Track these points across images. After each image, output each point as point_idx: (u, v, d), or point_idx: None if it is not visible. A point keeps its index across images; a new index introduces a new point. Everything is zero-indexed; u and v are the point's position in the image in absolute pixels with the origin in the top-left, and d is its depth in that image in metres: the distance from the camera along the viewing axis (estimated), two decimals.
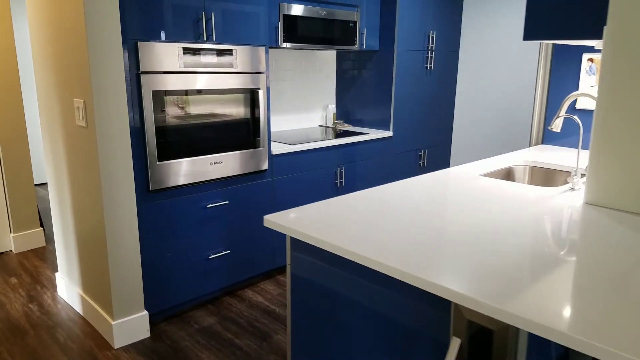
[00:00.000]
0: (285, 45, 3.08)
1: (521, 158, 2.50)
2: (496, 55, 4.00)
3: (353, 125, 4.07)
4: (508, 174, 2.42)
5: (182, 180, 2.55)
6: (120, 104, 2.25)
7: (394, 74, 3.68)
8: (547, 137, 2.86)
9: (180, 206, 2.58)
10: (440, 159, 4.37)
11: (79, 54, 2.20)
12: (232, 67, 2.67)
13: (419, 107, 4.01)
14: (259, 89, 2.83)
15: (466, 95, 4.27)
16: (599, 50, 2.57)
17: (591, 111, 2.64)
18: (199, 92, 2.55)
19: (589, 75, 2.63)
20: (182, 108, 2.49)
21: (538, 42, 3.66)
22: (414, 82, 3.88)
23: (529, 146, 2.99)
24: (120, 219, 2.34)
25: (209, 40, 2.54)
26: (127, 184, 2.32)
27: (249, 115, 2.82)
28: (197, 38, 2.49)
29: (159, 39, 2.35)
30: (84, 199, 2.45)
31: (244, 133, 2.81)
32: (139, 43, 2.28)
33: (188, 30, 2.45)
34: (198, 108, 2.56)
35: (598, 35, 1.69)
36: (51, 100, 2.55)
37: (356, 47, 3.54)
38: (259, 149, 2.89)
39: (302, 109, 3.90)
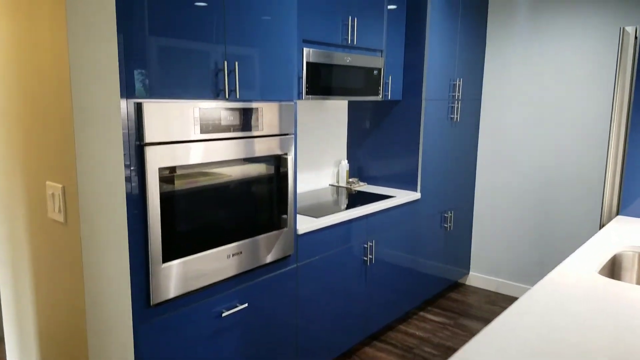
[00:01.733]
0: (308, 97, 2.52)
1: (619, 241, 2.01)
2: (525, 104, 3.61)
3: (369, 183, 3.52)
4: (612, 266, 1.93)
5: (192, 285, 1.88)
6: (116, 191, 1.58)
7: (421, 126, 3.19)
8: (626, 207, 2.42)
9: (189, 320, 1.90)
10: (464, 223, 3.88)
11: (58, 119, 1.54)
12: (257, 129, 2.06)
13: (446, 162, 3.52)
14: (287, 154, 2.23)
15: (489, 150, 3.84)
16: None
17: None
18: (217, 165, 1.92)
19: None
20: (195, 187, 1.85)
21: (597, 88, 3.28)
22: (441, 134, 3.41)
23: (601, 219, 2.53)
24: (109, 350, 1.63)
25: (230, 96, 1.94)
26: (121, 300, 1.63)
27: (274, 189, 2.21)
28: (217, 95, 1.89)
29: (170, 97, 1.72)
30: (56, 325, 1.73)
31: (267, 211, 2.19)
32: (145, 104, 1.64)
33: (206, 86, 1.84)
34: (214, 186, 1.92)
35: None
36: (10, 183, 1.84)
37: (380, 97, 3.03)
38: (284, 229, 2.27)
39: (312, 167, 3.32)
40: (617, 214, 2.48)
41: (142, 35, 1.61)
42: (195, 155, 1.83)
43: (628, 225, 2.27)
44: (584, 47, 3.30)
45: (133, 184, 1.65)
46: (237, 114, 1.96)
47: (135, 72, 1.61)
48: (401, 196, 3.13)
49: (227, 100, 1.93)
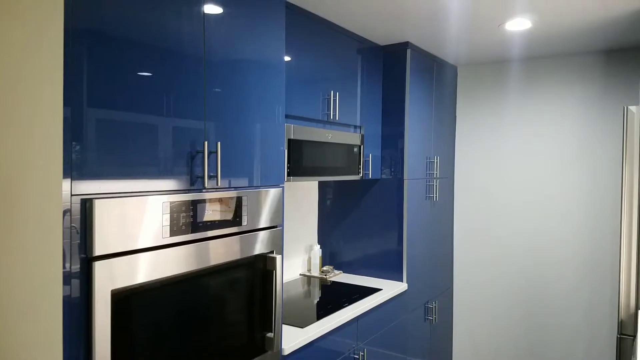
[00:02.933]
0: (289, 179, 2.12)
1: None
2: (500, 184, 3.43)
3: (345, 271, 3.09)
4: None
5: None
6: (49, 328, 1.04)
7: (405, 207, 2.87)
8: None
9: None
10: (445, 313, 3.51)
11: None
12: (240, 223, 1.61)
13: (429, 246, 3.19)
14: (274, 253, 1.77)
15: (464, 232, 3.59)
16: None
17: None
18: (190, 276, 1.43)
19: None
20: (162, 311, 1.33)
21: (580, 167, 3.14)
22: (423, 216, 3.10)
23: (619, 315, 2.26)
24: None
25: (210, 184, 1.49)
26: None
27: (257, 299, 1.72)
28: (193, 182, 1.43)
29: (130, 192, 1.25)
30: None
31: (249, 331, 1.68)
32: (95, 201, 1.15)
33: (179, 172, 1.39)
34: (181, 306, 1.41)
35: None
36: None
37: (360, 176, 2.70)
38: (268, 353, 1.76)
39: None
40: (637, 307, 2.22)
41: (93, 109, 1.16)
42: (162, 266, 1.33)
43: None
44: (560, 124, 3.22)
45: (73, 320, 1.12)
46: (217, 206, 1.51)
47: (80, 155, 1.14)
48: (387, 288, 2.72)
49: (206, 189, 1.48)
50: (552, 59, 3.21)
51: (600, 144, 3.07)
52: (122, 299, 1.22)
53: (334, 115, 2.45)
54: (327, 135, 2.37)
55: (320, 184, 3.17)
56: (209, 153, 1.47)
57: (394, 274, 2.90)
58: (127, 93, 1.23)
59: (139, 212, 1.25)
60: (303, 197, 3.04)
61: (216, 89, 1.50)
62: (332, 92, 2.43)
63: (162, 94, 1.33)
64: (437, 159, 3.22)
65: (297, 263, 3.01)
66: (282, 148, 1.81)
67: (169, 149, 1.34)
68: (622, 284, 2.26)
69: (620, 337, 2.26)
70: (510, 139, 3.39)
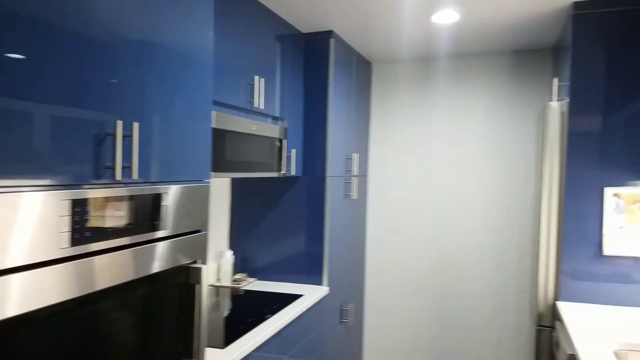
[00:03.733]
0: (211, 175, 1.82)
1: (605, 337, 1.75)
2: (412, 182, 3.43)
3: (260, 278, 2.83)
4: None
5: None
6: None
7: (326, 206, 2.70)
8: (565, 292, 2.24)
9: None
10: (358, 314, 3.41)
11: None
12: (161, 226, 1.29)
13: (347, 247, 3.06)
14: (197, 263, 1.47)
15: (377, 231, 3.54)
16: (623, 184, 2.14)
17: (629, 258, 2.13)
18: (97, 297, 1.09)
19: (617, 214, 2.15)
20: (58, 348, 0.98)
21: (492, 164, 3.22)
22: (343, 215, 2.96)
23: (537, 305, 2.31)
24: None
25: (124, 179, 1.15)
26: None
27: (175, 320, 1.41)
28: (99, 176, 1.09)
29: (18, 180, 0.89)
30: None
31: None
32: None
33: (83, 161, 1.04)
34: (79, 337, 1.07)
35: None
36: None
37: (282, 172, 2.47)
38: None
39: None
40: (555, 299, 2.29)
41: None
42: (63, 286, 0.98)
43: (588, 312, 2.05)
44: (475, 122, 3.30)
45: None
46: (132, 205, 1.18)
47: None
48: (309, 293, 2.52)
49: (115, 183, 1.14)
50: (468, 57, 3.28)
51: (515, 142, 3.19)
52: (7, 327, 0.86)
53: (259, 103, 2.19)
54: (251, 126, 2.11)
55: (234, 181, 2.87)
56: (123, 137, 1.14)
57: (315, 277, 2.72)
58: (12, 68, 0.87)
59: (29, 213, 0.90)
60: (212, 198, 2.72)
61: (131, 66, 1.17)
62: (256, 77, 2.17)
63: (63, 65, 0.98)
64: (356, 157, 3.11)
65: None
66: (208, 137, 1.52)
67: (71, 132, 1.00)
68: (541, 278, 2.32)
69: (538, 329, 2.32)
70: (426, 138, 3.40)
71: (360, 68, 3.25)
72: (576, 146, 2.22)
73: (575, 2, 2.21)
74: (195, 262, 1.47)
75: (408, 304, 3.45)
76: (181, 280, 1.42)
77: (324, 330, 2.68)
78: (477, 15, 2.43)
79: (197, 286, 1.45)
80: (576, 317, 1.99)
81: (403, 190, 3.45)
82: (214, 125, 1.82)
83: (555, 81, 2.51)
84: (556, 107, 2.27)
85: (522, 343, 3.18)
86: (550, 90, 3.08)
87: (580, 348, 1.64)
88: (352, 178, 3.09)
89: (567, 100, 2.26)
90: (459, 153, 3.32)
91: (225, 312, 2.20)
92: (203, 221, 1.50)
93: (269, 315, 2.14)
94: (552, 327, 2.28)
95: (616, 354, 1.64)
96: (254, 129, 2.14)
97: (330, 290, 2.74)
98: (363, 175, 3.41)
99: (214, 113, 1.83)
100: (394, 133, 3.48)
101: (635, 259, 2.13)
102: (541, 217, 2.30)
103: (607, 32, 2.17)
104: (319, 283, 2.70)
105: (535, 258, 2.51)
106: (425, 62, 3.38)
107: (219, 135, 1.86)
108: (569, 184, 2.24)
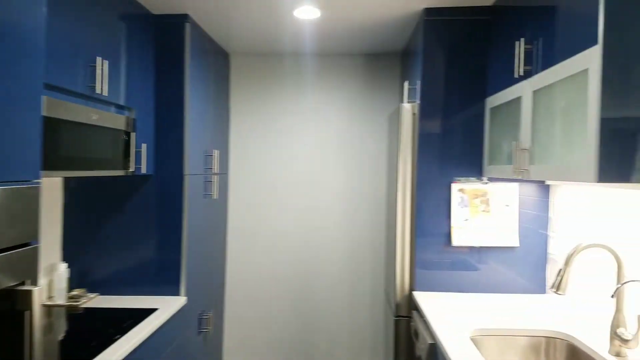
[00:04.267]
0: (45, 175, 1.48)
1: (461, 322, 1.88)
2: (272, 179, 3.36)
3: (103, 292, 2.47)
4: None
5: None
6: None
7: (185, 208, 2.46)
8: (420, 281, 2.38)
9: None
10: (217, 321, 3.22)
11: None
12: None
13: (207, 251, 2.85)
14: (26, 284, 1.16)
15: (238, 232, 3.39)
16: (467, 180, 2.35)
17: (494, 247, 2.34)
18: None
19: (462, 208, 2.36)
20: None
21: (376, 167, 3.27)
22: (202, 216, 2.74)
23: (395, 297, 2.42)
24: None
25: None
26: None
27: None
28: None
29: None
30: None
31: None
32: None
33: None
34: None
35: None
36: None
37: (130, 170, 2.17)
38: None
39: None
40: (411, 289, 2.42)
41: None
42: None
43: (442, 300, 2.19)
44: (332, 122, 3.35)
45: None
46: None
47: None
48: (165, 306, 2.27)
49: None
50: (328, 56, 3.31)
51: (368, 141, 3.31)
52: None
53: (102, 89, 1.87)
54: (92, 115, 1.78)
55: (68, 181, 2.45)
56: None
57: (171, 287, 2.46)
58: None
59: None
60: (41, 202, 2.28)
61: None
62: (99, 59, 1.85)
63: None
64: (216, 153, 2.91)
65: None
66: (38, 128, 1.21)
67: None
68: (397, 269, 2.42)
69: (396, 319, 2.43)
70: (287, 135, 3.35)
71: (219, 59, 3.06)
72: (426, 145, 2.37)
73: (427, 9, 2.35)
74: (23, 284, 1.16)
75: (269, 305, 3.37)
76: (5, 307, 1.11)
77: (182, 344, 2.44)
78: (336, 14, 2.45)
79: (26, 313, 1.15)
80: (432, 305, 2.12)
81: (264, 188, 3.36)
82: (44, 114, 1.48)
83: (406, 84, 2.66)
84: (408, 109, 2.39)
85: (381, 334, 3.34)
86: (400, 92, 3.28)
87: (440, 336, 1.72)
88: (213, 176, 2.89)
89: (418, 102, 2.40)
90: (318, 151, 3.34)
91: (65, 337, 1.84)
92: (32, 232, 1.19)
93: (117, 337, 1.85)
94: (410, 317, 2.41)
95: (472, 339, 1.77)
96: (95, 118, 1.82)
97: (189, 299, 2.51)
98: (224, 173, 3.23)
99: (44, 98, 1.49)
100: (255, 129, 3.36)
101: (478, 248, 2.35)
102: (397, 212, 2.41)
103: (453, 38, 2.36)
104: (176, 293, 2.45)
105: (389, 251, 2.64)
106: (287, 57, 3.33)
107: (52, 126, 1.53)
108: (420, 180, 2.38)
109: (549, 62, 1.60)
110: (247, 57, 3.33)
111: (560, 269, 1.55)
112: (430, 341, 1.90)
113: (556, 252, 2.22)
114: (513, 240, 2.32)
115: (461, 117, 2.36)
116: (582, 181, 1.30)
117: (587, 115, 1.31)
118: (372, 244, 3.32)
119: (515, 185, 2.33)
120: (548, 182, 2.28)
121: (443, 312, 2.01)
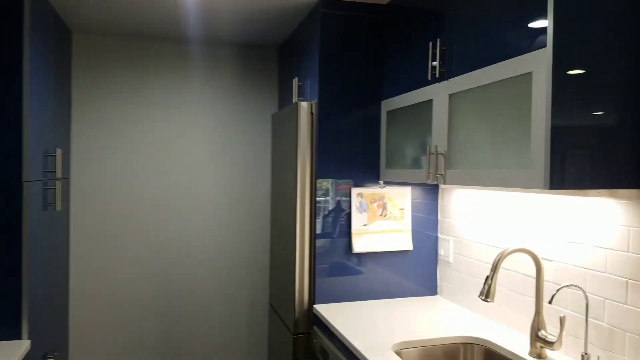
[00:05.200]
0: None
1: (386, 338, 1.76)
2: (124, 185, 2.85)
3: None
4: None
5: None
6: None
7: (25, 225, 1.88)
8: (321, 294, 2.21)
9: None
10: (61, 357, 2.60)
11: None
12: None
13: (50, 276, 2.24)
14: None
15: (84, 248, 2.80)
16: (366, 184, 2.26)
17: (375, 254, 2.26)
18: None
19: (361, 213, 2.26)
20: None
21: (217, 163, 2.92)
22: (44, 234, 2.15)
23: (294, 312, 2.21)
24: None
25: None
26: None
27: None
28: None
29: None
30: None
31: None
32: None
33: None
34: None
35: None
36: None
37: None
38: None
39: None
40: (311, 304, 2.23)
41: None
42: None
43: (348, 312, 2.05)
44: (205, 118, 2.97)
45: None
46: None
47: None
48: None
49: None
50: (198, 45, 2.93)
51: (245, 141, 3.03)
52: None
53: None
54: None
55: None
56: None
57: (7, 330, 1.86)
58: None
59: None
60: None
61: None
62: None
63: None
64: (59, 153, 2.31)
65: None
66: None
67: None
68: (297, 283, 2.22)
69: (295, 337, 2.22)
70: (145, 131, 2.87)
71: (60, 36, 2.45)
72: (324, 148, 2.22)
73: (324, 1, 2.20)
74: None
75: (127, 336, 2.85)
76: None
77: None
78: None
79: None
80: (340, 319, 1.97)
81: (116, 194, 2.83)
82: None
83: (295, 81, 2.47)
84: (306, 108, 2.21)
85: (262, 348, 3.08)
86: (279, 89, 3.08)
87: (365, 353, 1.58)
88: (56, 182, 2.30)
89: (316, 101, 2.24)
90: (185, 149, 2.95)
91: None
92: None
93: None
94: (309, 333, 2.23)
95: (397, 353, 1.66)
96: None
97: (33, 342, 1.93)
98: (65, 178, 2.61)
99: None
100: (104, 124, 2.81)
101: (376, 253, 2.28)
102: (296, 219, 2.21)
103: (351, 35, 2.24)
104: (17, 336, 1.86)
105: (278, 264, 2.42)
106: (148, 40, 2.85)
107: None
108: (319, 184, 2.21)
109: (470, 65, 1.58)
110: (94, 37, 2.76)
111: (487, 276, 1.53)
112: (344, 358, 1.74)
113: (446, 254, 2.27)
114: (407, 244, 2.31)
115: (360, 119, 2.26)
116: (529, 188, 1.28)
117: (530, 121, 1.29)
118: (253, 256, 3.05)
119: (408, 189, 2.32)
120: (443, 186, 2.32)
121: (355, 326, 1.88)
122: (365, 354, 1.58)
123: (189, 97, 2.93)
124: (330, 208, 2.23)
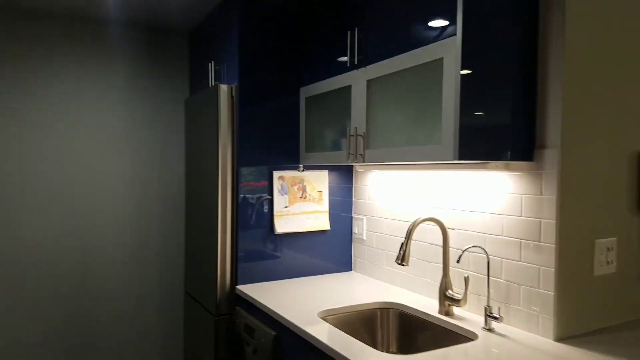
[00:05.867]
0: None
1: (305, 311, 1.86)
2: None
3: None
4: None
5: None
6: None
7: None
8: (243, 274, 2.25)
9: None
10: None
11: None
12: None
13: None
14: None
15: None
16: (287, 168, 2.34)
17: (299, 234, 2.34)
18: None
19: (282, 195, 2.33)
20: None
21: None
22: None
23: (216, 294, 2.22)
24: None
25: None
26: None
27: None
28: None
29: None
30: None
31: None
32: None
33: None
34: None
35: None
36: None
37: None
38: None
39: None
40: (233, 285, 2.26)
41: None
42: None
43: (272, 290, 2.11)
44: (108, 105, 2.82)
45: None
46: None
47: None
48: None
49: None
50: (111, 25, 2.77)
51: (159, 127, 2.94)
52: None
53: None
54: None
55: None
56: None
57: None
58: None
59: None
60: None
61: None
62: None
63: None
64: None
65: None
66: None
67: None
68: (219, 265, 2.24)
69: (217, 319, 2.24)
70: (50, 117, 2.67)
71: None
72: (246, 131, 2.26)
73: None
74: None
75: (28, 329, 2.64)
76: None
77: None
78: None
79: None
80: (265, 296, 2.03)
81: (15, 181, 2.60)
82: None
83: (212, 64, 2.47)
84: (225, 91, 2.23)
85: (177, 337, 3.02)
86: (189, 73, 3.04)
87: (293, 321, 1.66)
88: None
89: (236, 84, 2.26)
90: (86, 134, 2.79)
91: None
92: None
93: None
94: (231, 314, 2.25)
95: (323, 319, 1.76)
96: None
97: None
98: None
99: None
100: None
101: (297, 234, 2.37)
102: (218, 202, 2.22)
103: (270, 19, 2.30)
104: None
105: (196, 248, 2.41)
106: (55, 19, 2.64)
107: None
108: (241, 168, 2.25)
109: (387, 53, 1.72)
110: None
111: (402, 243, 1.70)
112: (273, 333, 1.82)
113: (360, 232, 2.44)
114: (325, 224, 2.44)
115: (280, 104, 2.33)
116: (440, 160, 1.45)
117: (441, 102, 1.46)
118: (165, 243, 2.98)
119: (326, 172, 2.44)
120: (358, 169, 2.47)
121: (281, 299, 1.95)
122: (294, 321, 1.67)
123: (96, 80, 2.78)
124: (251, 192, 2.27)
